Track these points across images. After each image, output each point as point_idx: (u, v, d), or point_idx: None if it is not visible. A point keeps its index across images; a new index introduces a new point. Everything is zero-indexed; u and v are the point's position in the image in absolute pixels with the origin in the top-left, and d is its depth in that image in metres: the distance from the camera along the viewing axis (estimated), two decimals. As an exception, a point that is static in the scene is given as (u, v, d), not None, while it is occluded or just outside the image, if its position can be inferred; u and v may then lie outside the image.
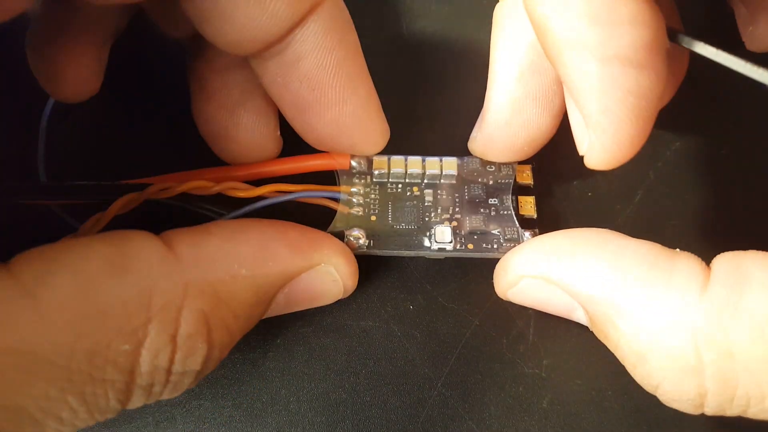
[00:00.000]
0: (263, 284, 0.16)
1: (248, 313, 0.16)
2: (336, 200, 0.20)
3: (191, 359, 0.15)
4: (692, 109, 0.24)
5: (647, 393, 0.19)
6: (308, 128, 0.19)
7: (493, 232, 0.19)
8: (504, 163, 0.21)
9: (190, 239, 0.15)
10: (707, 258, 0.21)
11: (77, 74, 0.19)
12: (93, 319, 0.13)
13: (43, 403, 0.13)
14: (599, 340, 0.20)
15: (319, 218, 0.19)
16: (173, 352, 0.14)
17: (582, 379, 0.19)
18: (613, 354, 0.19)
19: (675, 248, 0.21)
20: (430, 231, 0.19)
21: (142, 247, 0.15)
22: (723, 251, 0.21)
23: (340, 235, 0.19)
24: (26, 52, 0.19)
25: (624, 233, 0.21)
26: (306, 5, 0.16)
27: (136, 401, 0.15)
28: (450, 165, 0.20)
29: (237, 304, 0.15)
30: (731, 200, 0.22)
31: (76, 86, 0.19)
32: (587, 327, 0.20)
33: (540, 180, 0.22)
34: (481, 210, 0.20)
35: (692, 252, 0.21)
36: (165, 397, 0.15)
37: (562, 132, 0.23)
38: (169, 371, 0.14)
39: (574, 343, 0.20)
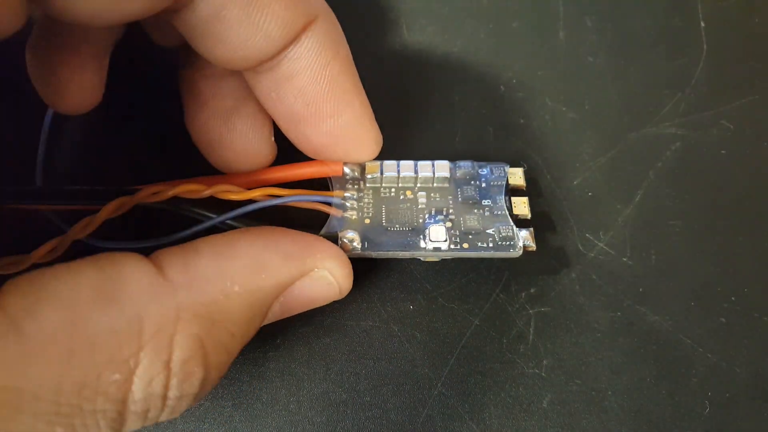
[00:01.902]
0: (258, 298, 0.16)
1: (244, 330, 0.16)
2: (329, 204, 0.20)
3: (187, 384, 0.14)
4: (692, 109, 0.24)
5: (647, 393, 0.19)
6: (303, 139, 0.19)
7: (488, 231, 0.19)
8: (496, 166, 0.21)
9: (180, 260, 0.15)
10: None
11: (79, 87, 0.19)
12: (82, 350, 0.13)
13: None
14: (599, 340, 0.20)
15: (311, 222, 0.19)
16: (168, 378, 0.14)
17: (582, 379, 0.19)
18: (613, 354, 0.19)
19: (676, 247, 0.21)
20: (424, 231, 0.19)
21: (132, 272, 0.14)
22: (723, 251, 0.21)
23: (333, 238, 0.19)
24: (26, 65, 0.19)
25: (624, 233, 0.21)
26: (299, 24, 0.16)
27: (131, 426, 0.14)
28: (442, 168, 0.20)
29: (233, 323, 0.15)
30: (731, 200, 0.22)
31: (78, 99, 0.19)
32: (587, 327, 0.20)
33: (540, 180, 0.22)
34: (475, 211, 0.20)
35: (694, 252, 0.21)
36: (163, 419, 0.15)
37: (565, 133, 0.23)
38: (164, 397, 0.14)
39: (574, 343, 0.20)
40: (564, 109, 0.24)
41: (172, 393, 0.14)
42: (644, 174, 0.23)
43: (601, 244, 0.21)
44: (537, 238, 0.20)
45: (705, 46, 0.26)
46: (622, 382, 0.19)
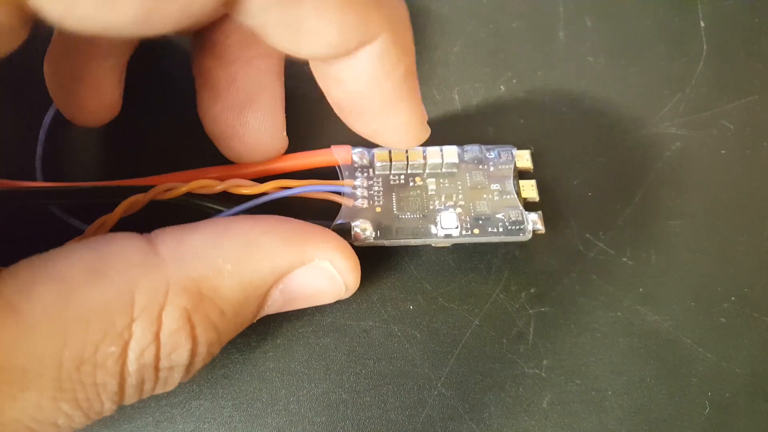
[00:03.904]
0: (251, 280, 0.16)
1: (236, 310, 0.16)
2: (339, 194, 0.20)
3: (176, 354, 0.15)
4: (692, 109, 0.24)
5: (647, 393, 0.19)
6: (345, 123, 0.19)
7: (497, 216, 0.19)
8: (503, 149, 0.21)
9: (174, 237, 0.15)
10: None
11: (98, 101, 0.19)
12: (78, 326, 0.13)
13: (36, 414, 0.13)
14: (599, 340, 0.20)
15: (323, 213, 0.19)
16: (158, 349, 0.14)
17: (582, 379, 0.19)
18: (613, 354, 0.19)
19: (676, 247, 0.21)
20: (435, 218, 0.19)
21: (123, 248, 0.14)
22: (723, 251, 0.21)
23: (346, 228, 0.19)
24: (45, 80, 0.19)
25: (624, 233, 0.21)
26: (351, 45, 0.15)
27: (130, 398, 0.15)
28: (450, 154, 0.20)
29: (222, 301, 0.15)
30: (731, 200, 0.22)
31: (96, 112, 0.20)
32: (587, 327, 0.20)
33: (540, 180, 0.22)
34: (485, 196, 0.20)
35: (694, 252, 0.21)
36: (159, 391, 0.15)
37: (565, 133, 0.23)
38: (156, 368, 0.14)
39: (574, 343, 0.20)
40: (564, 109, 0.24)
41: (163, 364, 0.14)
42: (644, 174, 0.23)
43: (601, 244, 0.21)
44: (537, 237, 0.20)
45: (705, 46, 0.26)
46: (622, 382, 0.19)
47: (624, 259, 0.21)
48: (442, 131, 0.23)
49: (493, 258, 0.21)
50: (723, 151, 0.23)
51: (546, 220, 0.21)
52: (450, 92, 0.24)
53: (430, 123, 0.24)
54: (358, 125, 0.19)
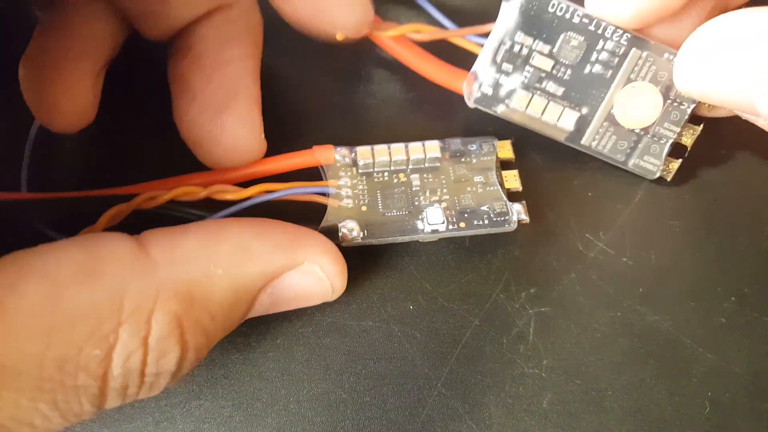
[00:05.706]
0: (242, 284, 0.16)
1: (226, 313, 0.16)
2: (325, 195, 0.20)
3: (164, 360, 0.14)
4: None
5: (647, 393, 0.19)
6: (289, 9, 0.19)
7: (482, 208, 0.20)
8: (484, 140, 0.21)
9: (165, 240, 0.15)
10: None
11: (72, 106, 0.19)
12: (63, 326, 0.13)
13: (13, 412, 0.12)
14: (599, 340, 0.20)
15: (309, 215, 0.19)
16: (145, 355, 0.14)
17: (582, 379, 0.19)
18: (613, 354, 0.19)
19: (676, 247, 0.21)
20: (421, 214, 0.19)
21: (114, 249, 0.14)
22: (723, 251, 0.21)
23: (333, 229, 0.19)
24: (20, 83, 0.19)
25: (624, 233, 0.21)
26: None
27: (111, 402, 0.14)
28: (432, 148, 0.21)
29: (213, 305, 0.15)
30: (731, 200, 0.22)
31: (70, 118, 0.19)
32: (587, 327, 0.20)
33: (540, 179, 0.22)
34: (468, 189, 0.20)
35: (694, 252, 0.21)
36: (142, 396, 0.15)
37: (562, 132, 0.23)
38: (142, 373, 0.14)
39: (574, 343, 0.20)
40: (564, 109, 0.24)
41: (150, 369, 0.14)
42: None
43: (601, 244, 0.21)
44: (537, 237, 0.20)
45: (705, 46, 0.26)
46: (622, 382, 0.19)
47: (624, 259, 0.21)
48: (442, 131, 0.23)
49: (493, 258, 0.21)
50: (723, 151, 0.23)
51: (546, 220, 0.21)
52: (450, 92, 0.24)
53: (430, 123, 0.24)
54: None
